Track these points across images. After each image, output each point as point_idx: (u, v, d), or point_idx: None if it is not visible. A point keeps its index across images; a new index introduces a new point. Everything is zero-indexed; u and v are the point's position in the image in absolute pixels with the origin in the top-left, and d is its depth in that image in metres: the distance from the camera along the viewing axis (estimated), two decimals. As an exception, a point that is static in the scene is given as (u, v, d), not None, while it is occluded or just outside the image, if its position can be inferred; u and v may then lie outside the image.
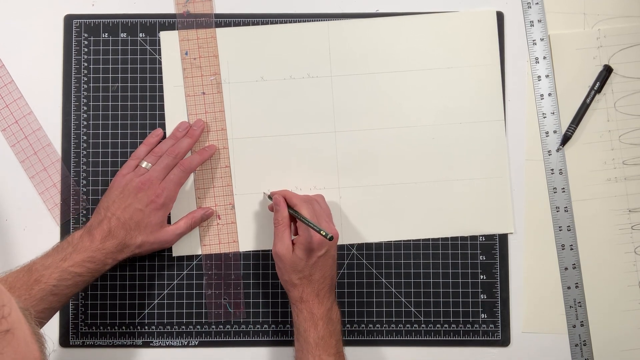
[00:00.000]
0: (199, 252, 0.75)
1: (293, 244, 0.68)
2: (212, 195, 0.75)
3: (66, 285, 0.64)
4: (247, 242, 0.75)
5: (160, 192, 0.69)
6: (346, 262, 0.75)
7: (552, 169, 0.76)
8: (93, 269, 0.65)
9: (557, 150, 0.76)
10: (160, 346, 0.75)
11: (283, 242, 0.67)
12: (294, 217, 0.68)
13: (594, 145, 0.76)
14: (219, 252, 0.75)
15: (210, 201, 0.75)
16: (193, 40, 0.75)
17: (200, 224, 0.75)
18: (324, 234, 0.64)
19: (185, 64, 0.75)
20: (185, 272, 0.75)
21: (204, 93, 0.75)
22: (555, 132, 0.76)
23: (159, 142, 0.74)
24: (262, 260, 0.75)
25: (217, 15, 0.76)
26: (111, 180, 0.75)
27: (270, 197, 0.72)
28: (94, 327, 0.75)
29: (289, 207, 0.69)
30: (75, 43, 0.76)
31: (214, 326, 0.75)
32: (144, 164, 0.71)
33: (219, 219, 0.75)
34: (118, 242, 0.67)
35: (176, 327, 0.75)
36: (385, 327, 0.75)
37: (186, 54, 0.74)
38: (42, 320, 0.64)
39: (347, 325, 0.75)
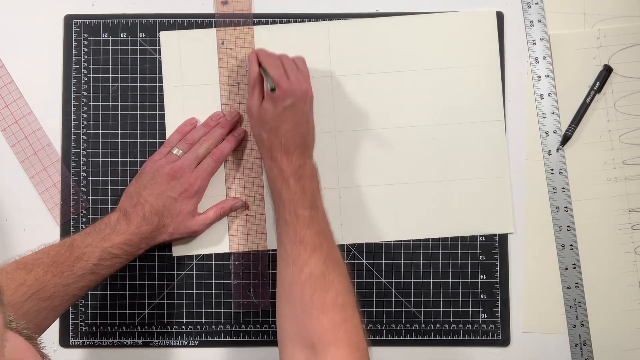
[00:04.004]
0: (225, 243, 0.75)
1: (264, 99, 0.68)
2: (242, 185, 0.75)
3: (105, 266, 0.65)
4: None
5: (194, 181, 0.69)
6: (346, 262, 0.75)
7: (552, 169, 0.76)
8: (129, 251, 0.67)
9: (557, 150, 0.76)
10: (160, 346, 0.75)
11: (253, 98, 0.68)
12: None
13: (594, 145, 0.76)
14: (246, 243, 0.75)
15: (240, 191, 0.75)
16: (230, 30, 0.75)
17: (229, 214, 0.75)
18: (270, 86, 0.64)
19: (221, 54, 0.75)
20: (185, 272, 0.75)
21: (238, 84, 0.75)
22: (555, 132, 0.76)
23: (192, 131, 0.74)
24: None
25: (213, 15, 0.76)
26: (111, 176, 0.75)
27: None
28: (94, 327, 0.75)
29: (260, 65, 0.69)
30: (75, 43, 0.76)
31: (214, 326, 0.75)
32: (175, 151, 0.71)
33: (248, 209, 0.75)
34: (152, 228, 0.68)
35: (176, 327, 0.75)
36: (385, 327, 0.75)
37: (222, 43, 0.74)
38: (78, 297, 0.65)
39: (347, 325, 0.75)
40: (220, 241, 0.75)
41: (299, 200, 0.65)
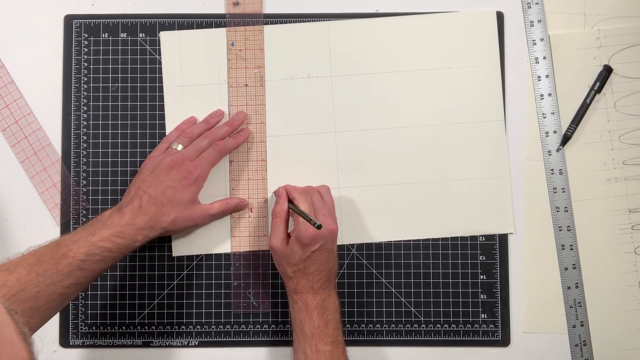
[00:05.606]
0: (226, 244, 0.75)
1: (289, 237, 0.68)
2: (246, 187, 0.75)
3: (94, 261, 0.63)
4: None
5: (193, 169, 0.69)
6: (346, 262, 0.75)
7: (552, 169, 0.76)
8: (122, 244, 0.65)
9: (557, 150, 0.76)
10: (160, 346, 0.75)
11: (278, 235, 0.68)
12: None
13: (594, 145, 0.76)
14: (248, 245, 0.75)
15: (244, 193, 0.75)
16: (240, 32, 0.75)
17: (232, 214, 0.75)
18: (313, 222, 0.64)
19: (230, 55, 0.75)
20: (185, 272, 0.75)
21: (246, 85, 0.75)
22: (555, 132, 0.76)
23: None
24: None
25: (213, 16, 0.76)
26: (111, 176, 0.76)
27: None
28: (94, 327, 0.75)
29: (289, 200, 0.70)
30: (75, 43, 0.76)
31: (214, 326, 0.75)
32: (174, 145, 0.71)
33: (251, 211, 0.75)
34: (149, 218, 0.66)
35: (176, 327, 0.75)
36: (385, 327, 0.75)
37: (232, 44, 0.74)
38: (67, 296, 0.63)
39: (347, 326, 0.75)
40: (221, 242, 0.75)
41: (321, 334, 0.66)
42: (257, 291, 0.75)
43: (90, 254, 0.62)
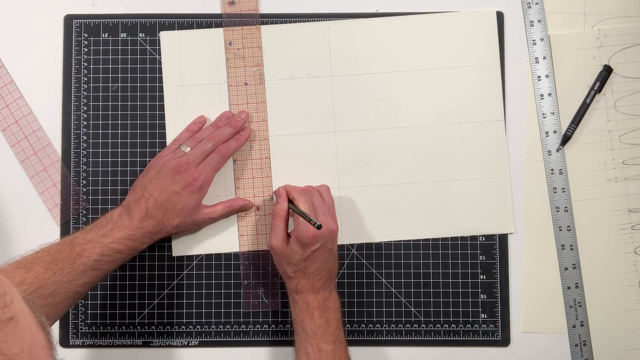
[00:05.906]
0: (236, 244, 0.75)
1: (289, 236, 0.68)
2: (251, 185, 0.75)
3: (106, 261, 0.65)
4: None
5: (198, 176, 0.69)
6: (346, 262, 0.75)
7: (552, 169, 0.76)
8: (132, 246, 0.66)
9: (557, 150, 0.76)
10: (160, 346, 0.75)
11: (277, 235, 0.68)
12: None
13: (594, 145, 0.76)
14: (256, 243, 0.75)
15: (249, 192, 0.75)
16: (237, 31, 0.75)
17: (237, 214, 0.75)
18: (313, 222, 0.64)
19: (229, 54, 0.75)
20: (185, 272, 0.75)
21: (246, 84, 0.75)
22: (555, 132, 0.76)
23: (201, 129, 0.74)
24: (262, 260, 0.75)
25: (213, 16, 0.76)
26: (111, 176, 0.76)
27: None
28: (94, 327, 0.75)
29: (289, 200, 0.70)
30: (75, 43, 0.76)
31: (214, 326, 0.75)
32: (182, 147, 0.71)
33: (257, 210, 0.75)
34: (155, 222, 0.67)
35: (176, 327, 0.75)
36: (385, 327, 0.75)
37: (230, 44, 0.74)
38: (80, 294, 0.65)
39: (347, 325, 0.75)
40: (221, 241, 0.75)
41: (323, 333, 0.66)
42: (267, 290, 0.75)
43: (103, 254, 0.64)
